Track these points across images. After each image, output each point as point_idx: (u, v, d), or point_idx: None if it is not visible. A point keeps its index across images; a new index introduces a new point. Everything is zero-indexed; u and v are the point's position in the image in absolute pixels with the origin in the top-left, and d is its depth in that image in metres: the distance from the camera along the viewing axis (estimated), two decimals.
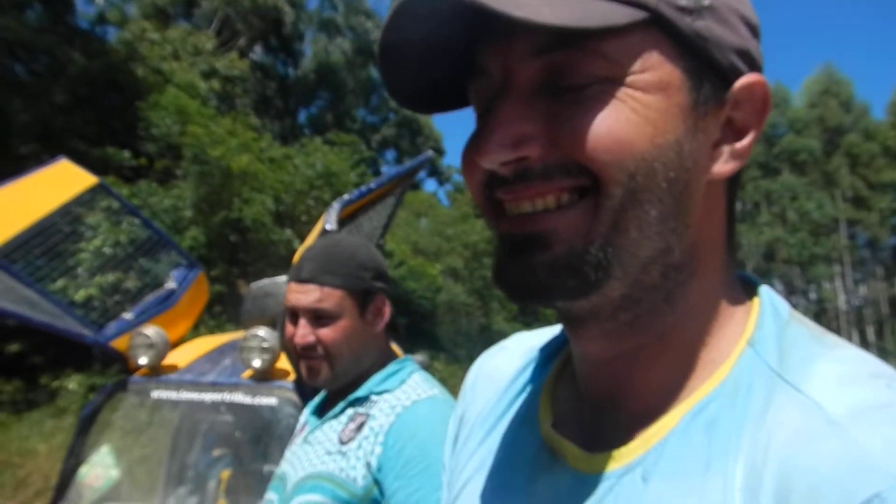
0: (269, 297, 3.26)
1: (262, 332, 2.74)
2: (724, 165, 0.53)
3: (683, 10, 0.48)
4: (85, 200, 3.05)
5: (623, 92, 0.48)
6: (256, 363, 2.72)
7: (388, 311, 1.48)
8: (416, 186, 29.32)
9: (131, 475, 3.05)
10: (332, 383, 1.44)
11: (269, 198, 13.06)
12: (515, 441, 0.64)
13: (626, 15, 0.46)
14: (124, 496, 2.92)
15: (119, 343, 2.90)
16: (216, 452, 3.08)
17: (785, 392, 0.48)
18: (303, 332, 1.40)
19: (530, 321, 21.28)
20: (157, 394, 2.91)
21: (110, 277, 4.88)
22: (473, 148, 0.51)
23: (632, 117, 0.47)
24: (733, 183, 0.56)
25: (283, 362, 2.80)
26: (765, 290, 0.56)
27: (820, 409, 0.45)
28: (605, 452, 0.54)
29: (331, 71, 32.47)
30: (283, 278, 3.31)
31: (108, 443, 3.01)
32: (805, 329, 0.53)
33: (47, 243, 2.83)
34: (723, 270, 0.56)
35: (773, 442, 0.45)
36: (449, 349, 19.55)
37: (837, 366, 0.49)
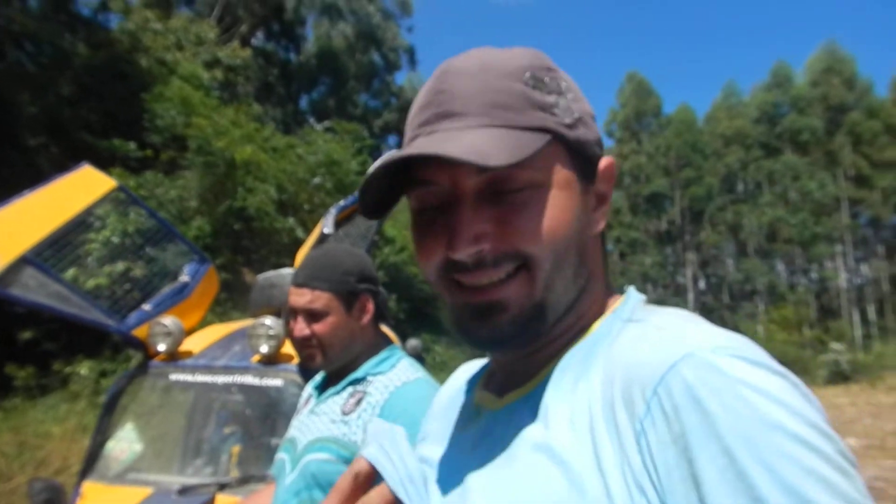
0: (274, 288, 3.42)
1: (268, 320, 2.91)
2: (598, 224, 0.72)
3: (569, 126, 0.67)
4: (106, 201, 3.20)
5: (546, 193, 0.65)
6: (264, 349, 2.90)
7: (371, 307, 1.73)
8: None
9: (152, 449, 3.19)
10: (326, 367, 1.72)
11: (272, 187, 13.06)
12: (458, 422, 0.82)
13: (539, 140, 0.64)
14: (146, 468, 3.05)
15: (140, 332, 3.07)
16: (228, 429, 3.24)
17: (632, 325, 0.65)
18: (300, 327, 1.67)
19: None
20: (174, 377, 3.08)
21: (119, 266, 4.85)
22: (436, 244, 0.67)
23: (554, 213, 0.64)
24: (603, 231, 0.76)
25: (288, 347, 2.98)
26: (631, 290, 0.75)
27: (653, 326, 0.62)
28: (511, 393, 0.72)
29: (332, 56, 32.09)
30: (287, 270, 3.47)
31: (131, 421, 3.16)
32: (651, 307, 0.72)
33: (65, 238, 2.94)
34: (603, 284, 0.75)
35: (618, 351, 0.61)
36: (449, 333, 19.36)
37: (675, 312, 0.66)
